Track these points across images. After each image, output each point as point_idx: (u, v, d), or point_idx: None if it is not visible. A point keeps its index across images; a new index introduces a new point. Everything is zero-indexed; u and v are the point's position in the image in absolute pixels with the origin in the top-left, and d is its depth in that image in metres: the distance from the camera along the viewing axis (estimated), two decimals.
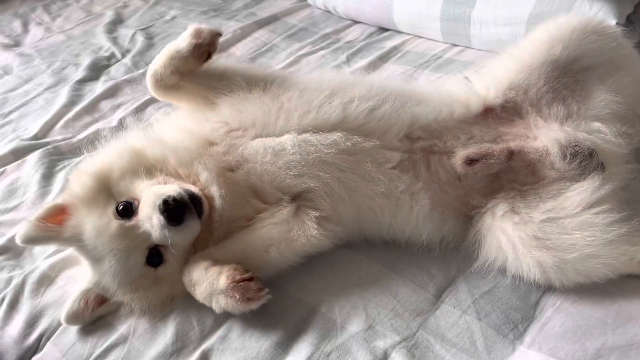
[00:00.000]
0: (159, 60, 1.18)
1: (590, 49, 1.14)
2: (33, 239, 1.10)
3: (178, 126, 1.20)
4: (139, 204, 1.07)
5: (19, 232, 1.10)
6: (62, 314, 1.10)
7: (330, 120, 1.10)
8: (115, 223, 1.05)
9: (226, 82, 1.17)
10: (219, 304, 1.01)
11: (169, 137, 1.17)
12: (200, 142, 1.13)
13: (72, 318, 1.10)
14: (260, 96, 1.14)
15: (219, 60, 1.26)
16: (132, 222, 1.05)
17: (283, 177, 1.08)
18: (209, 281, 1.02)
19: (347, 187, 1.09)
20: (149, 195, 1.05)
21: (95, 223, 1.07)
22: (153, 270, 1.08)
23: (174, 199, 1.00)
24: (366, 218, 1.12)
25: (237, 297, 0.99)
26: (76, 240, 1.09)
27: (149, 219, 1.03)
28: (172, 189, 1.03)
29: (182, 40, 1.17)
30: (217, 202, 1.07)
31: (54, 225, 1.10)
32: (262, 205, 1.11)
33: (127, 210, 1.07)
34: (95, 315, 1.12)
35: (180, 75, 1.18)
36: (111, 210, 1.07)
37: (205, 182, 1.09)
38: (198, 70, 1.20)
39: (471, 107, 1.16)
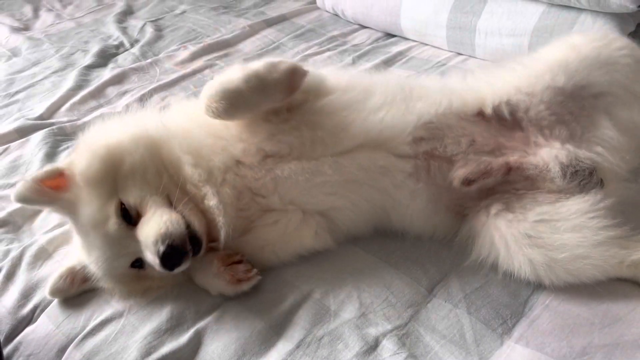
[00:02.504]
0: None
1: (601, 81, 1.12)
2: (27, 199, 1.07)
3: (210, 132, 1.12)
4: (139, 216, 1.04)
5: (15, 189, 1.06)
6: (47, 287, 1.13)
7: (357, 144, 1.11)
8: (114, 224, 1.03)
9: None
10: (213, 286, 1.07)
11: (196, 138, 1.10)
12: (228, 159, 1.09)
13: (56, 292, 1.13)
14: (297, 126, 1.11)
15: None
16: (129, 231, 1.03)
17: (315, 194, 1.10)
18: (204, 266, 1.07)
19: (367, 201, 1.12)
20: (152, 225, 1.00)
21: (95, 214, 1.04)
22: (137, 270, 1.08)
23: (174, 248, 0.98)
24: (369, 218, 1.15)
25: (227, 279, 1.04)
26: (70, 214, 1.08)
27: (145, 248, 1.01)
28: (177, 228, 0.99)
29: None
30: (222, 234, 1.06)
31: (50, 190, 1.07)
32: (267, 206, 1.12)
33: (128, 215, 1.04)
34: (80, 290, 1.14)
35: None
36: (113, 207, 1.04)
37: (210, 209, 1.06)
38: None
39: (468, 102, 1.16)
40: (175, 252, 0.98)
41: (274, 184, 1.09)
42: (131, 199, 1.05)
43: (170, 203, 1.05)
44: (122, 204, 1.04)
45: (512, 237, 1.03)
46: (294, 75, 1.04)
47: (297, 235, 1.12)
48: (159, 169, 1.07)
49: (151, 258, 1.00)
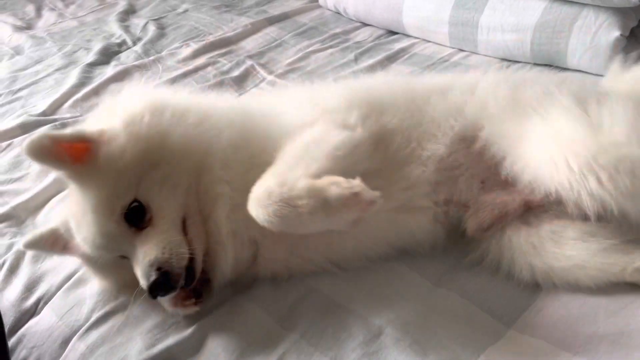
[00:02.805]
0: None
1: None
2: (37, 155, 0.93)
3: None
4: (150, 222, 0.96)
5: (29, 139, 0.92)
6: (25, 239, 1.08)
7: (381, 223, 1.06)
8: (115, 223, 0.95)
9: None
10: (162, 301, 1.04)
11: (244, 192, 0.93)
12: (258, 232, 1.01)
13: (30, 246, 1.09)
14: None
15: None
16: (130, 233, 0.95)
17: (325, 262, 1.07)
18: None
19: (380, 255, 1.10)
20: (157, 244, 0.93)
21: (101, 203, 0.94)
22: (122, 259, 1.01)
23: (167, 280, 0.92)
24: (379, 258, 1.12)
25: (169, 301, 1.03)
26: (76, 184, 0.97)
27: (137, 263, 0.94)
28: (179, 262, 0.93)
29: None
30: (214, 286, 1.04)
31: (66, 155, 0.94)
32: None
33: (136, 218, 0.95)
34: (58, 255, 1.12)
35: None
36: (122, 204, 0.94)
37: (219, 261, 1.00)
38: None
39: (473, 136, 1.09)
40: (166, 283, 0.92)
41: (289, 258, 1.06)
42: (150, 204, 0.96)
43: (183, 226, 0.98)
44: (134, 202, 0.95)
45: (518, 246, 1.03)
46: (369, 210, 0.88)
47: None
48: (189, 190, 0.98)
49: (139, 275, 0.94)
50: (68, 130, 0.97)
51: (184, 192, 0.98)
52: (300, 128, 1.02)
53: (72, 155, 0.95)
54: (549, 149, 0.99)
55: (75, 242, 1.03)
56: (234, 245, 1.00)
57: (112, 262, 1.03)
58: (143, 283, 0.93)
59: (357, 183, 0.86)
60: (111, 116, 1.00)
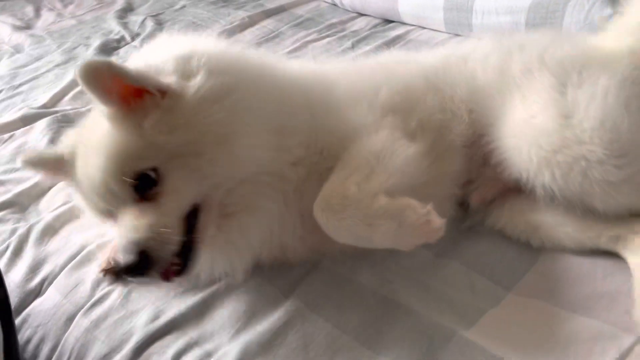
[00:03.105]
0: None
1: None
2: (90, 81, 0.81)
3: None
4: (156, 196, 0.87)
5: (87, 61, 0.81)
6: (26, 155, 1.03)
7: None
8: (122, 185, 0.86)
9: None
10: None
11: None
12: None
13: (28, 165, 1.03)
14: None
15: None
16: (130, 199, 0.87)
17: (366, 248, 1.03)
18: None
19: None
20: (148, 226, 0.85)
21: (120, 156, 0.85)
22: None
23: (145, 264, 0.84)
24: None
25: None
26: (111, 123, 0.87)
27: (120, 231, 0.87)
28: (165, 252, 0.86)
29: None
30: None
31: (116, 93, 0.84)
32: None
33: (145, 185, 0.87)
34: (56, 181, 1.11)
35: None
36: (143, 167, 0.86)
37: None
38: None
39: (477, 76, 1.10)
40: (143, 268, 0.85)
41: (306, 252, 1.05)
42: (166, 180, 0.87)
43: (195, 214, 0.90)
44: (152, 169, 0.86)
45: (518, 208, 1.05)
46: (434, 237, 0.89)
47: None
48: (218, 187, 0.90)
49: (118, 247, 0.87)
50: (132, 69, 0.84)
51: (210, 186, 0.89)
52: (365, 130, 0.98)
53: (121, 94, 0.85)
54: (519, 135, 0.99)
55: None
56: (254, 253, 0.99)
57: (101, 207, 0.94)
58: (119, 257, 0.87)
59: (430, 209, 0.86)
60: (178, 70, 0.89)
